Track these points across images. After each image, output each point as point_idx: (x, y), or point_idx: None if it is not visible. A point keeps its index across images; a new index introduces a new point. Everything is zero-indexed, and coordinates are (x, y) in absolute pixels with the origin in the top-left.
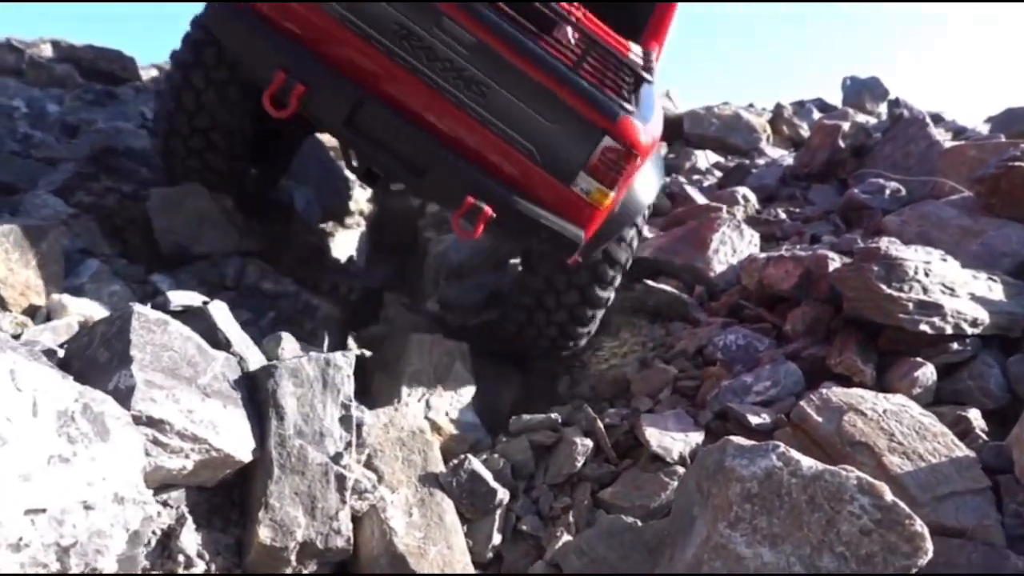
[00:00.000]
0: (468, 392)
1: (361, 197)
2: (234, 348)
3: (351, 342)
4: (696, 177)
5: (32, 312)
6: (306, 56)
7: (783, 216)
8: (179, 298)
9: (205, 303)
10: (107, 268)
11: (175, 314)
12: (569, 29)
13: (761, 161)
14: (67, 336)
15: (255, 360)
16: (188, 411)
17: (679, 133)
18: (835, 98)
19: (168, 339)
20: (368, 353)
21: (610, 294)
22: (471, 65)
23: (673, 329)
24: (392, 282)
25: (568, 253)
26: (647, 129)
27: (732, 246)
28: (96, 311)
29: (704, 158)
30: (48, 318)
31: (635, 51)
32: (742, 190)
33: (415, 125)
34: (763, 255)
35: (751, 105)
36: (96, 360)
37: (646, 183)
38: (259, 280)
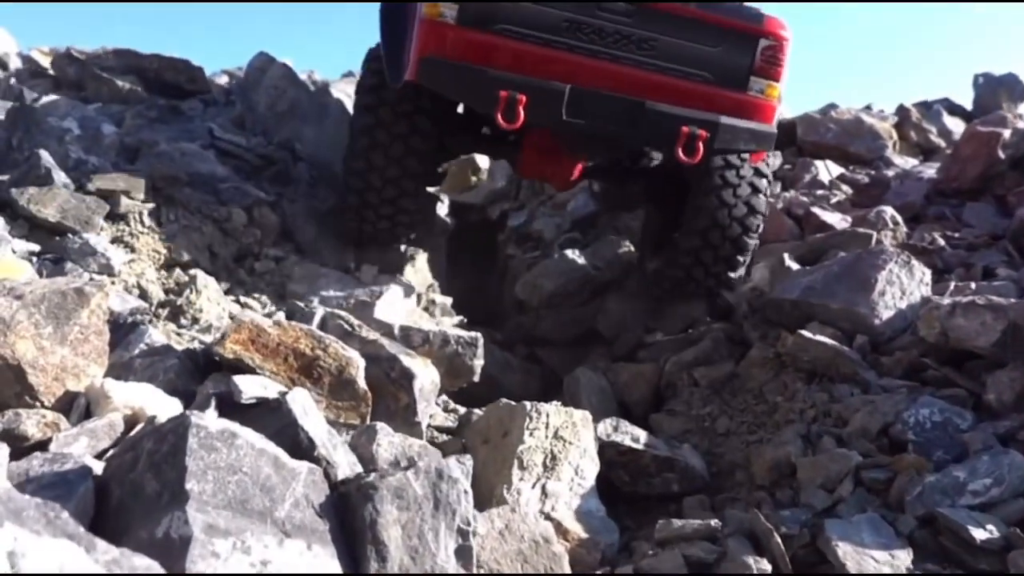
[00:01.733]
0: (591, 470)
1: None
2: (319, 451)
3: (446, 401)
4: (820, 193)
5: (69, 402)
6: (515, 75)
7: (940, 242)
8: (251, 387)
9: (283, 393)
10: (164, 336)
11: (245, 408)
12: None
13: (890, 172)
14: (109, 441)
15: (344, 463)
16: (262, 563)
17: (791, 140)
18: (963, 98)
19: (236, 457)
20: (464, 410)
21: (760, 221)
22: (635, 28)
23: (839, 394)
24: (472, 300)
25: (767, 147)
26: (784, 22)
27: (901, 286)
28: (148, 400)
29: (825, 170)
30: (87, 412)
31: None
32: (888, 211)
33: (614, 93)
34: (947, 301)
35: (869, 107)
36: (142, 489)
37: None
38: None
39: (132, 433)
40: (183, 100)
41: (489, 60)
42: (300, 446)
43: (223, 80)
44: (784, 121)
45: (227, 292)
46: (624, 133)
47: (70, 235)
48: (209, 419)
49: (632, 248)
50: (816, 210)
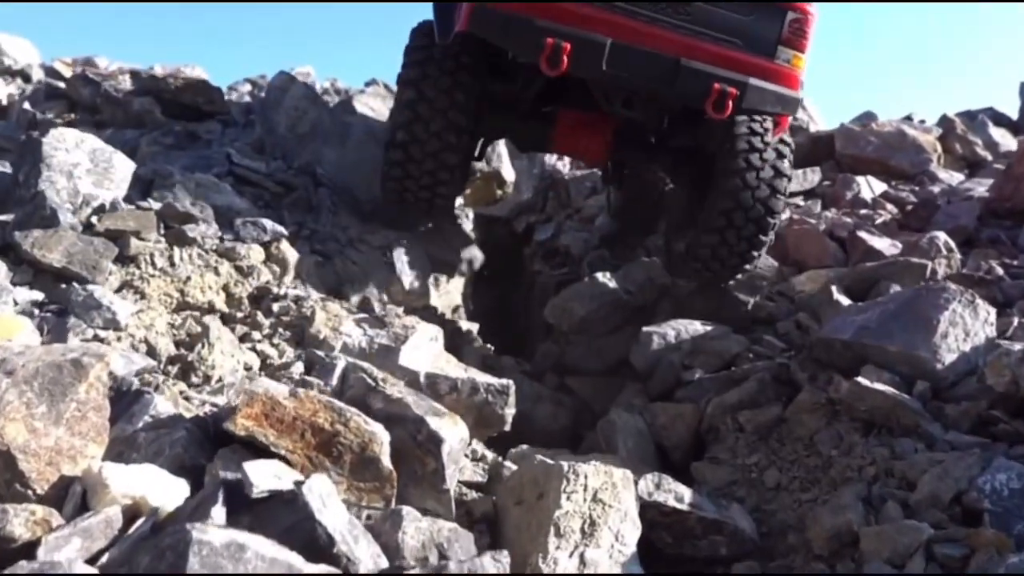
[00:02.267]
0: (632, 534)
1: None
2: (338, 547)
3: (477, 447)
4: (864, 212)
5: (64, 489)
6: (562, 25)
7: (999, 271)
8: (263, 478)
9: (298, 483)
10: (171, 403)
11: (257, 501)
12: None
13: (935, 188)
14: (104, 540)
15: (366, 556)
16: None
17: (829, 153)
18: (1009, 106)
19: (244, 572)
20: (492, 456)
21: (783, 203)
22: None
23: (901, 449)
24: (498, 318)
25: (793, 111)
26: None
27: (964, 327)
28: (150, 487)
29: (867, 186)
30: (83, 501)
31: None
32: (941, 237)
33: (653, 50)
34: (1017, 346)
35: (909, 118)
36: None
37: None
38: None
39: (130, 531)
40: (201, 122)
41: (537, 11)
42: (318, 543)
43: (246, 88)
44: (822, 134)
45: (243, 339)
46: (660, 87)
47: (75, 283)
48: (212, 532)
49: (664, 271)
50: (862, 234)
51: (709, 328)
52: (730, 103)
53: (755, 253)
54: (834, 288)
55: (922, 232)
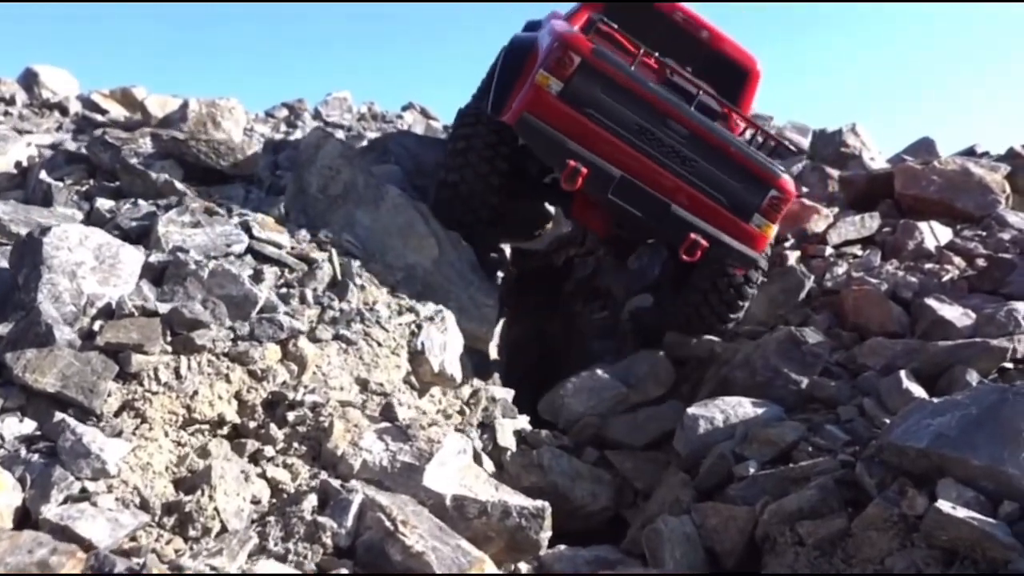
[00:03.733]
0: None
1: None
2: None
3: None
4: (928, 267)
5: None
6: (584, 151)
7: None
8: None
9: None
10: None
11: None
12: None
13: (1005, 235)
14: None
15: None
16: None
17: (888, 192)
18: None
19: None
20: None
21: (755, 290)
22: (685, 148)
23: None
24: (533, 359)
25: (750, 267)
26: (792, 181)
27: None
28: None
29: (931, 234)
30: None
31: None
32: (1020, 309)
33: (653, 189)
34: None
35: (972, 150)
36: None
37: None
38: None
39: None
40: (225, 184)
41: (570, 131)
42: None
43: (283, 114)
44: (880, 172)
45: (254, 457)
46: (649, 223)
47: (67, 417)
48: None
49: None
50: (931, 302)
51: (760, 411)
52: (699, 252)
53: (732, 315)
54: (903, 374)
55: (995, 294)
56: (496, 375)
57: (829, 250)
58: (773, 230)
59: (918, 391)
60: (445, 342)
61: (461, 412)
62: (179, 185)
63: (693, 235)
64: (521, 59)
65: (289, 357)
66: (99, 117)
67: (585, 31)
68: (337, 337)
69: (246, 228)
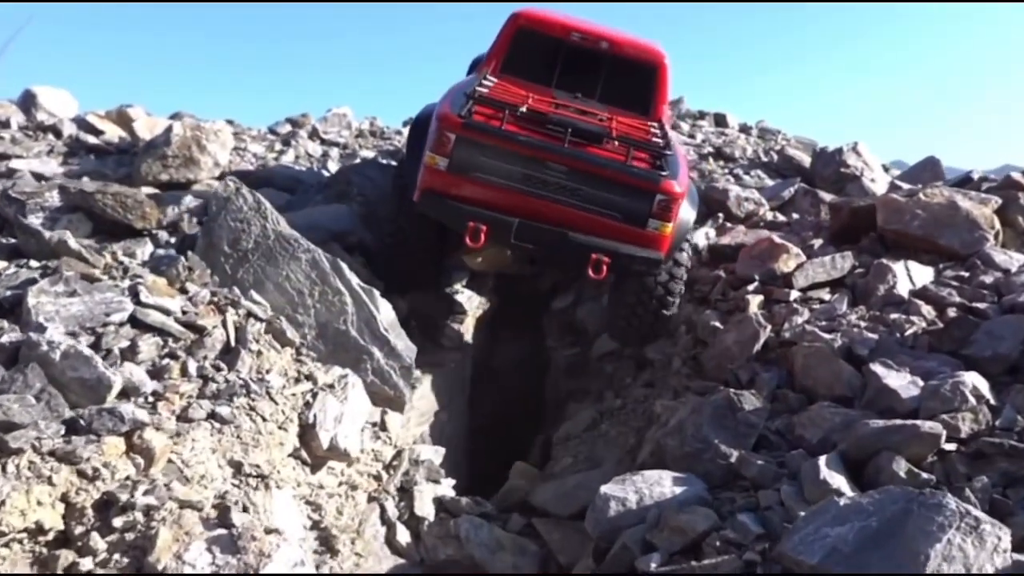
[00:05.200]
0: None
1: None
2: None
3: None
4: (894, 317)
5: None
6: (480, 209)
7: None
8: None
9: None
10: None
11: None
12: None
13: (988, 278)
14: None
15: None
16: None
17: (870, 226)
18: None
19: None
20: None
21: (677, 299)
22: (569, 181)
23: None
24: (509, 393)
25: (656, 268)
26: (678, 181)
27: (964, 562)
28: None
29: (906, 277)
30: None
31: (654, 128)
32: (968, 382)
33: (550, 224)
34: None
35: (969, 177)
36: None
37: (687, 212)
38: None
39: None
40: (135, 238)
41: (465, 197)
42: None
43: (285, 130)
44: (862, 205)
45: (68, 571)
46: (553, 253)
47: None
48: None
49: None
50: (878, 368)
51: (679, 490)
52: (605, 267)
53: (666, 312)
54: (822, 462)
55: (955, 355)
56: (426, 433)
57: (794, 294)
58: (670, 228)
59: (837, 481)
60: (342, 413)
61: (378, 477)
62: (73, 245)
63: (594, 255)
64: (420, 139)
65: (135, 450)
66: (92, 139)
67: (468, 98)
68: (212, 416)
69: (133, 293)
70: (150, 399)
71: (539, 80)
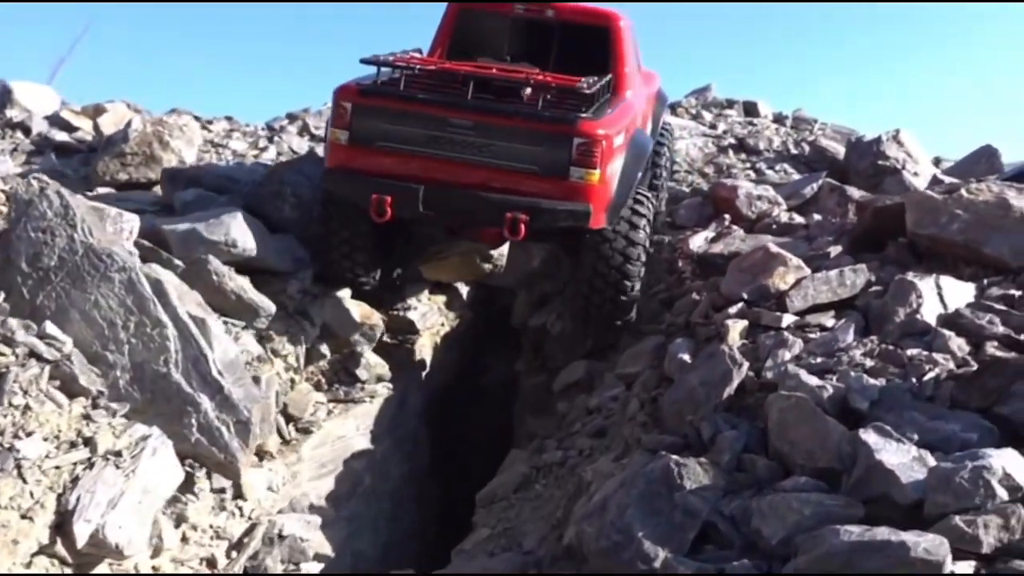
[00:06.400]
0: None
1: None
2: None
3: None
4: (911, 354)
5: None
6: (383, 180)
7: None
8: None
9: None
10: None
11: None
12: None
13: None
14: None
15: None
16: None
17: (900, 229)
18: None
19: None
20: None
21: (640, 267)
22: (476, 137)
23: None
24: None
25: (585, 221)
26: (604, 122)
27: None
28: None
29: (935, 296)
30: None
31: (586, 81)
32: (995, 466)
33: (459, 187)
34: None
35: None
36: None
37: (629, 163)
38: None
39: None
40: None
41: (371, 170)
42: None
43: (281, 124)
44: (889, 204)
45: None
46: (467, 218)
47: None
48: None
49: None
50: (871, 437)
51: None
52: (523, 226)
53: (624, 298)
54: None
55: (987, 413)
56: (321, 492)
57: (788, 318)
58: (596, 175)
59: None
60: (121, 493)
61: (213, 562)
62: None
63: (509, 213)
64: None
65: None
66: (61, 137)
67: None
68: None
69: None
70: None
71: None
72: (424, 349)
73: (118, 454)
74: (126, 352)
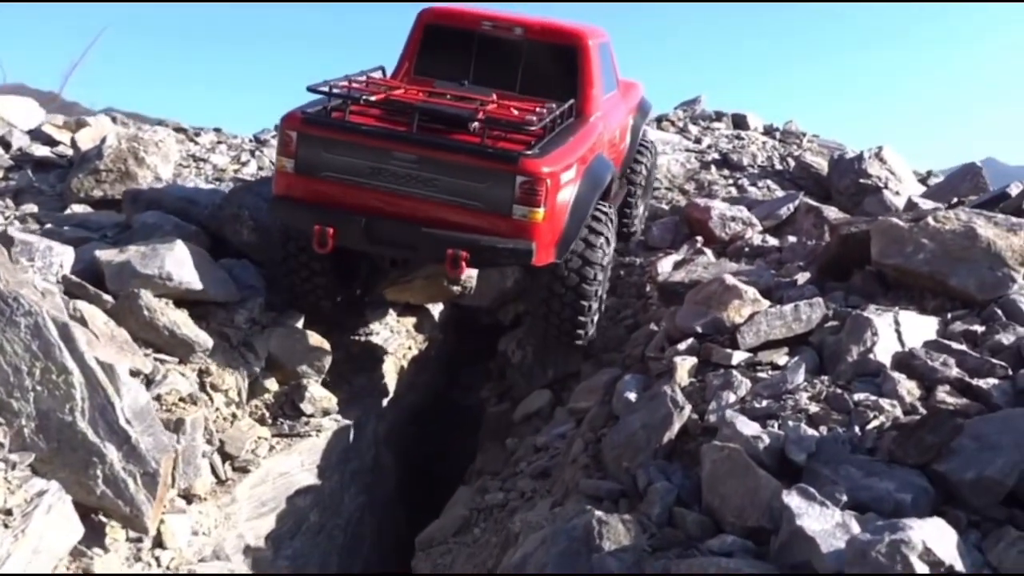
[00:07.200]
0: None
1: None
2: None
3: None
4: (858, 399)
5: None
6: (327, 210)
7: None
8: None
9: None
10: None
11: None
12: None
13: (1007, 338)
14: None
15: None
16: None
17: (865, 258)
18: None
19: None
20: None
21: (597, 288)
22: (420, 171)
23: None
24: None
25: (527, 260)
26: (551, 158)
27: None
28: None
29: (892, 334)
30: None
31: (538, 113)
32: (915, 540)
33: (402, 220)
34: None
35: (1005, 194)
36: None
37: (589, 186)
38: None
39: None
40: None
41: (315, 199)
42: None
43: (269, 136)
44: (855, 232)
45: None
46: (409, 252)
47: None
48: None
49: None
50: (794, 501)
51: None
52: (463, 263)
53: (580, 331)
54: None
55: (924, 469)
56: (261, 531)
57: (740, 355)
58: (540, 214)
59: None
60: (7, 555)
61: None
62: None
63: (450, 249)
64: None
65: None
66: (41, 152)
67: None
68: None
69: None
70: None
71: (454, 79)
72: (388, 374)
73: (8, 512)
74: (31, 400)
